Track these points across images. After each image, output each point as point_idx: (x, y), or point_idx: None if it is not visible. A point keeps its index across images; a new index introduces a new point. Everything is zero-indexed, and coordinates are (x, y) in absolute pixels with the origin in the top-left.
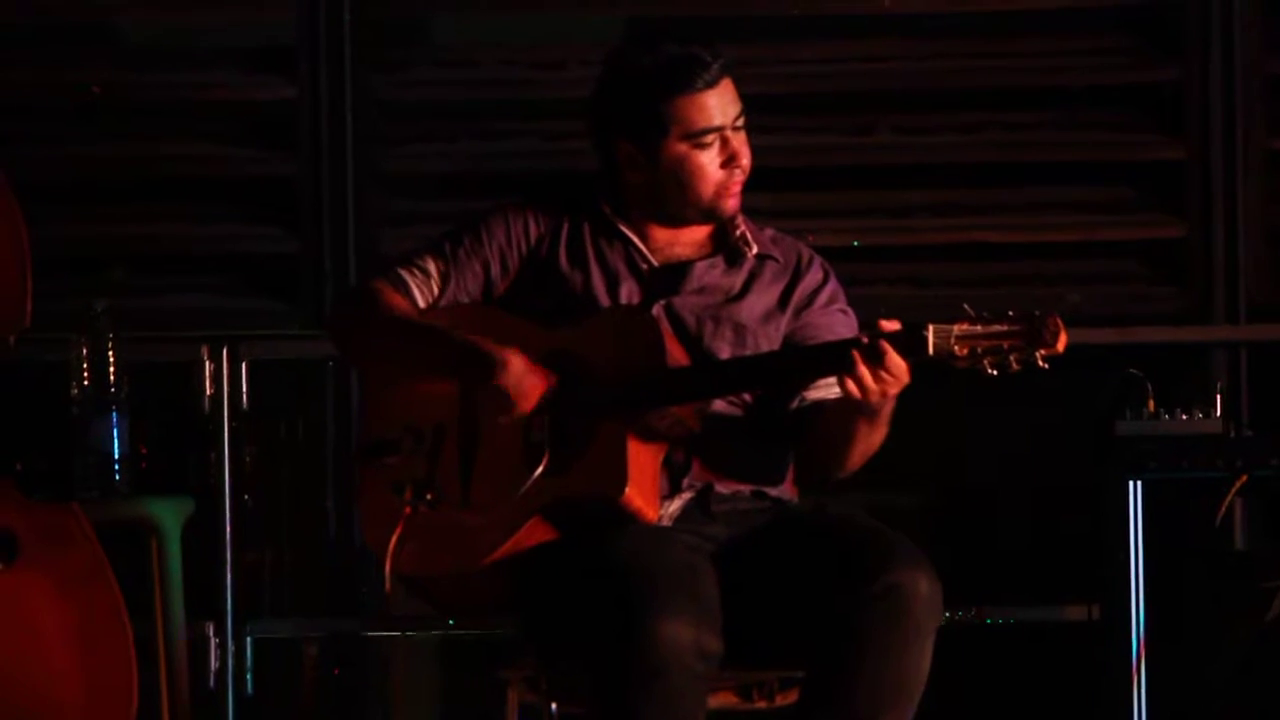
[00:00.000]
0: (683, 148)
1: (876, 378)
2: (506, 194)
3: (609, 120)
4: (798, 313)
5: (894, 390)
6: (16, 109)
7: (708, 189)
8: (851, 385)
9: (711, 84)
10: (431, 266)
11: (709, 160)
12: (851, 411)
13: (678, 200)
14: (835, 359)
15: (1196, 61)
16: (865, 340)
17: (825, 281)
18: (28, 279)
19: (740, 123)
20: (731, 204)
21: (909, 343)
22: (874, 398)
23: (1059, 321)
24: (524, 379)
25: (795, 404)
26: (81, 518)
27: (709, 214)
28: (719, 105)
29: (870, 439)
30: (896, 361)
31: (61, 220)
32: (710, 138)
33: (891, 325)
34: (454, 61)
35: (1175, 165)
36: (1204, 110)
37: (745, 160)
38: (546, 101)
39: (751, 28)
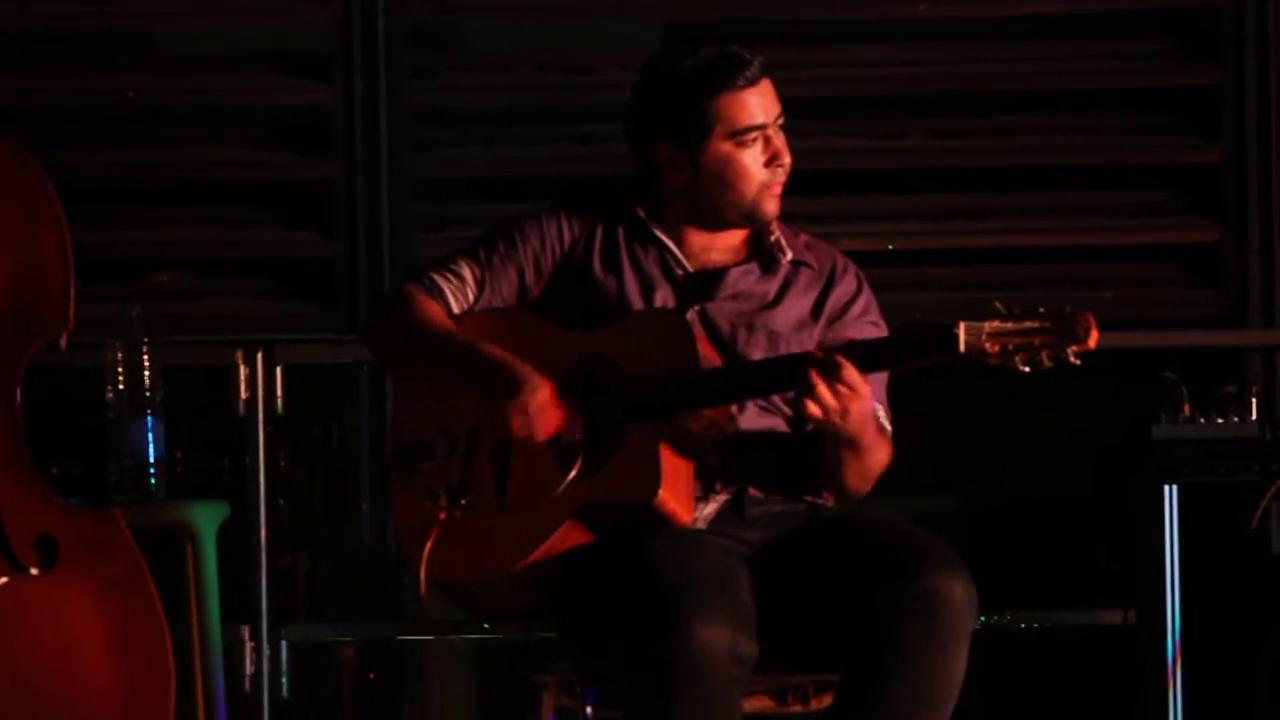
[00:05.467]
0: (726, 147)
1: (833, 390)
2: (540, 198)
3: (649, 122)
4: (830, 323)
5: (853, 405)
6: (55, 115)
7: (751, 188)
8: (810, 404)
9: (753, 82)
10: (466, 271)
11: (752, 159)
12: (830, 440)
13: (720, 201)
14: (790, 373)
15: (1232, 65)
16: (820, 354)
17: (859, 292)
18: (71, 282)
19: (781, 122)
20: (773, 205)
21: (939, 341)
22: (834, 415)
23: (1090, 317)
24: (544, 410)
25: (810, 426)
26: (122, 524)
27: (750, 215)
28: (761, 104)
29: (862, 464)
30: (852, 376)
31: (97, 225)
32: (753, 136)
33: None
34: (487, 66)
35: (1211, 169)
36: (1239, 114)
37: (787, 159)
38: (580, 106)
39: (784, 32)
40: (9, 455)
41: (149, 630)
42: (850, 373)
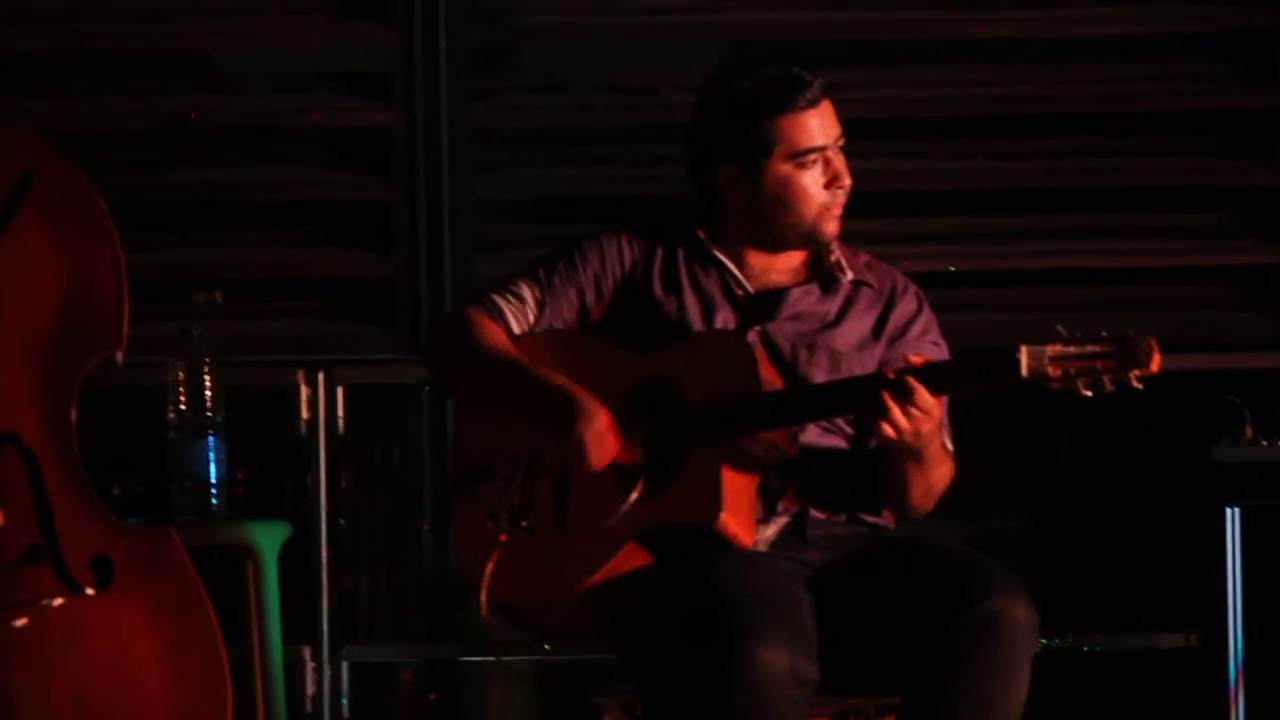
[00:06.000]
0: (786, 168)
1: (905, 414)
2: (601, 219)
3: (709, 143)
4: (891, 342)
5: (925, 427)
6: (114, 135)
7: (811, 210)
8: (884, 425)
9: (813, 103)
10: (526, 292)
11: (812, 180)
12: (897, 452)
13: (779, 222)
14: (862, 394)
15: None
16: (891, 376)
17: (919, 311)
18: (124, 300)
19: (841, 143)
20: (833, 226)
21: (1001, 365)
22: (907, 436)
23: (1153, 342)
24: (602, 438)
25: (874, 442)
26: (176, 542)
27: (810, 236)
28: (821, 125)
29: (927, 478)
30: (925, 397)
31: (159, 245)
32: (813, 157)
33: (918, 359)
34: (548, 87)
35: (1270, 191)
36: None
37: (848, 180)
38: (641, 126)
39: (843, 53)
40: (64, 475)
41: (205, 649)
42: (923, 395)
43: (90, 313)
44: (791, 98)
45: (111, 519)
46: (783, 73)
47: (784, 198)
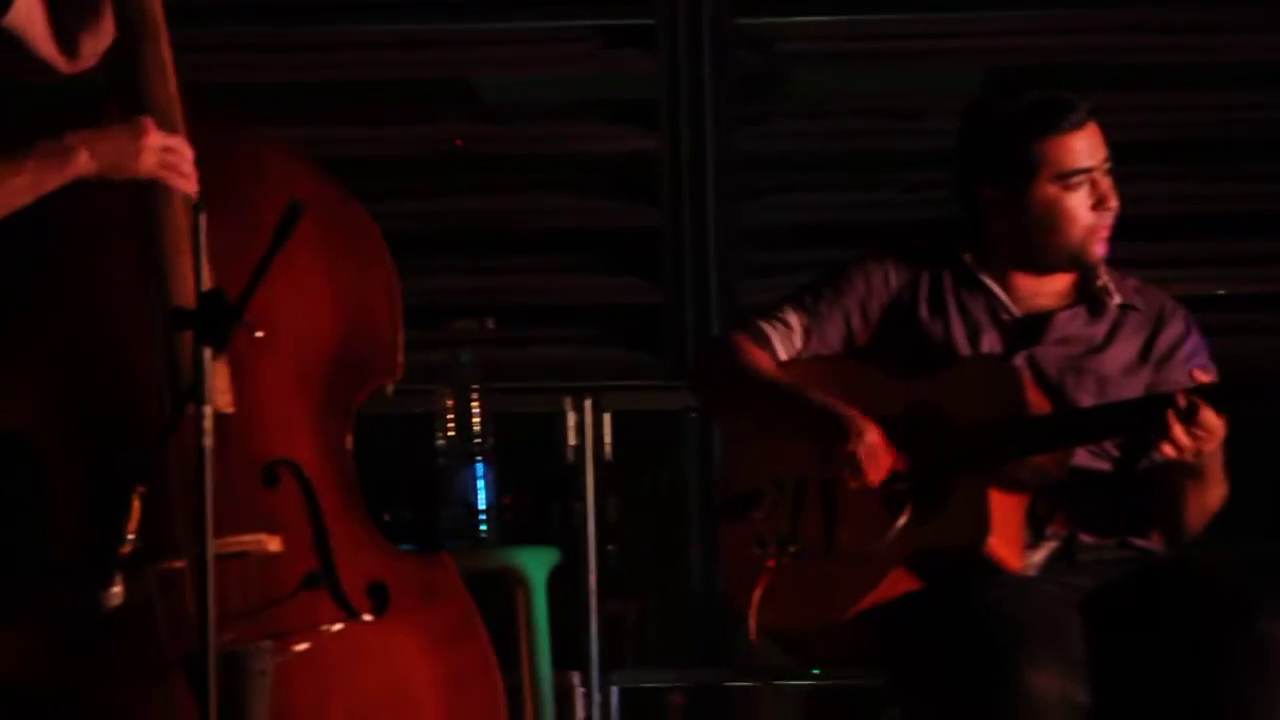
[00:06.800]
0: (1052, 190)
1: (1190, 434)
2: (867, 245)
3: (974, 167)
4: (1159, 366)
5: (1209, 446)
6: (384, 164)
7: (1077, 232)
8: (1166, 445)
9: (1078, 126)
10: (793, 319)
11: (1078, 203)
12: (1176, 471)
13: (1046, 245)
14: (1146, 415)
15: None
16: (1174, 396)
17: (1187, 335)
18: (400, 330)
19: (1108, 166)
20: (1100, 248)
21: (1248, 392)
22: (1189, 455)
23: None
24: (876, 452)
25: (1144, 464)
26: (451, 569)
27: (1077, 259)
28: (1087, 147)
29: (1204, 498)
30: (1209, 417)
31: (426, 272)
32: (1079, 179)
33: (1205, 378)
34: (813, 113)
35: None
36: None
37: (1114, 202)
38: (907, 152)
39: (1110, 76)
40: (342, 503)
41: (481, 676)
42: (1208, 415)
43: (365, 341)
44: (1056, 120)
45: (387, 546)
46: (1047, 96)
47: (1050, 220)
